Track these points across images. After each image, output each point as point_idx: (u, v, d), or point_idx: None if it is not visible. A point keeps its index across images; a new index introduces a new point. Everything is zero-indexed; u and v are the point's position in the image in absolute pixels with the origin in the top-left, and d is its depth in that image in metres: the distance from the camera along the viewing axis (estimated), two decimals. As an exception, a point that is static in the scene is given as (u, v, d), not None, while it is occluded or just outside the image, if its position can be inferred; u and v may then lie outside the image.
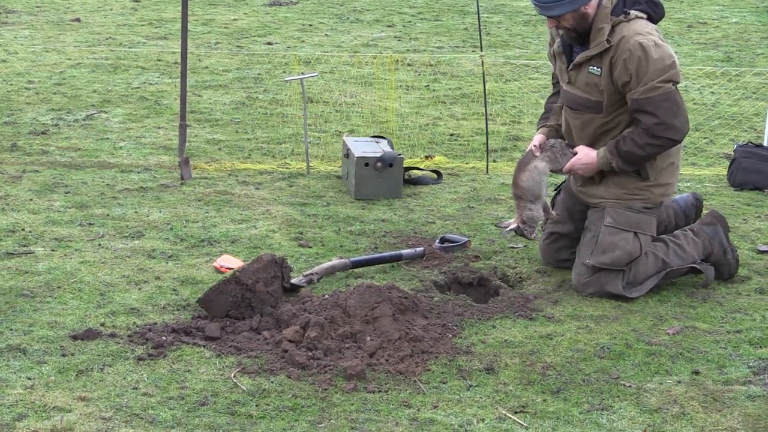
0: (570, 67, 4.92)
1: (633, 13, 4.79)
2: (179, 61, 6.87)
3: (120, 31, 11.38)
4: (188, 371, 4.03)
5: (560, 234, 5.16)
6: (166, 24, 11.89)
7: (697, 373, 4.14)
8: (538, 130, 5.20)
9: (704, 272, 4.94)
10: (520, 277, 5.11)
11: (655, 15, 4.89)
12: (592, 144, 4.93)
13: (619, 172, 4.85)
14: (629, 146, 4.76)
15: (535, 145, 5.01)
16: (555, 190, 5.37)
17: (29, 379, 3.92)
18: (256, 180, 6.53)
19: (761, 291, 4.97)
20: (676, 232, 5.07)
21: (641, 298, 4.84)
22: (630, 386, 4.02)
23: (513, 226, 5.00)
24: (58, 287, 4.78)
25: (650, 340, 4.41)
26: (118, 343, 4.24)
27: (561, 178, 5.45)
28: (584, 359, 4.23)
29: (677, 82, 4.74)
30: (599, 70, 4.79)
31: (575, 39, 4.86)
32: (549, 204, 5.11)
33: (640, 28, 4.75)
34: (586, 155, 4.89)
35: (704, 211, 5.41)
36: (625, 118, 4.85)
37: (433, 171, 6.76)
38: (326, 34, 11.62)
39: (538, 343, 4.35)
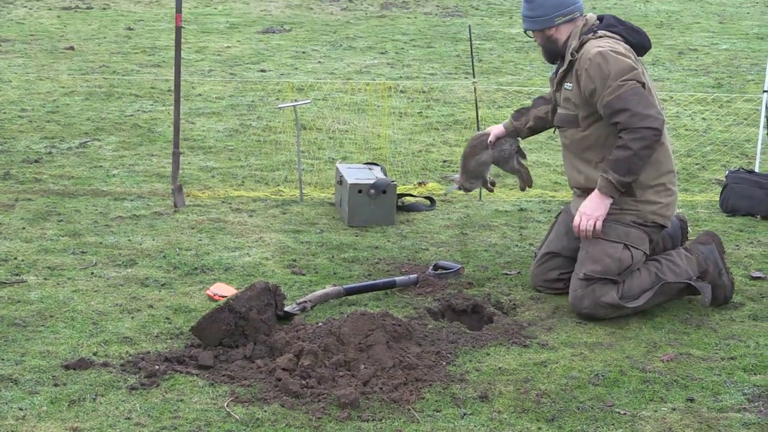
0: (556, 88, 5.12)
1: (602, 32, 4.95)
2: (173, 88, 6.88)
3: (113, 59, 11.41)
4: (181, 400, 4.01)
5: (553, 253, 5.19)
6: (160, 52, 11.92)
7: (691, 400, 4.13)
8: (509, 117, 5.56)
9: (701, 291, 4.93)
10: (513, 304, 5.11)
11: (633, 40, 4.96)
12: (578, 164, 5.03)
13: (621, 188, 4.83)
14: (616, 153, 4.81)
15: (491, 141, 5.45)
16: (557, 216, 5.41)
17: (21, 409, 3.89)
18: (250, 207, 6.53)
19: (755, 317, 4.97)
20: (668, 251, 5.10)
21: (635, 325, 4.83)
22: (625, 414, 4.01)
23: (456, 186, 5.65)
24: (51, 316, 4.76)
25: (644, 367, 4.41)
26: (111, 373, 4.21)
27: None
28: (578, 387, 4.22)
29: (642, 83, 4.80)
30: (571, 85, 4.97)
31: (546, 56, 5.16)
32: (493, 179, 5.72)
33: (602, 42, 4.90)
34: (587, 199, 4.92)
35: (690, 233, 5.44)
36: (603, 132, 4.92)
37: (426, 198, 6.76)
38: (319, 61, 11.66)
39: (533, 371, 4.34)
